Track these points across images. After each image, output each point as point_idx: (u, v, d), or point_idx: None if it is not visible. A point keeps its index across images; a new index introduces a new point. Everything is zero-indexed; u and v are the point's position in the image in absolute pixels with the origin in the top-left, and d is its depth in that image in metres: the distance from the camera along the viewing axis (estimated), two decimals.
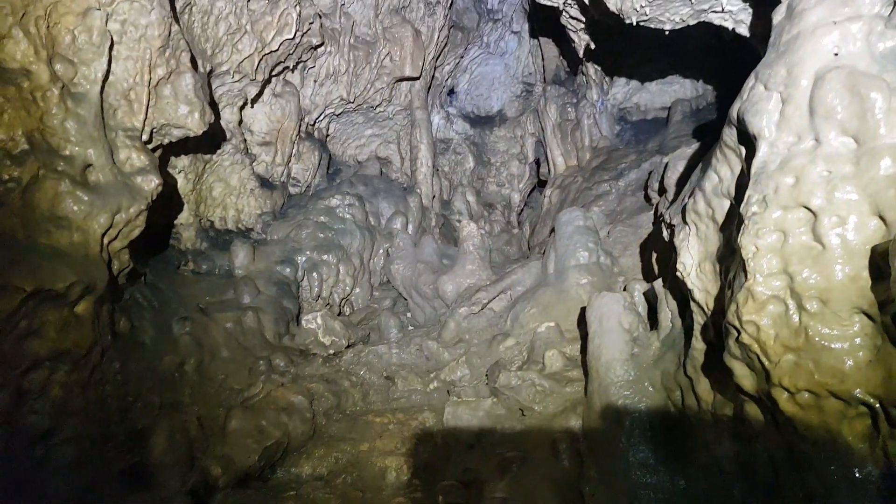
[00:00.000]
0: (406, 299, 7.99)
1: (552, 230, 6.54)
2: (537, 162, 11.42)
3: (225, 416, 5.01)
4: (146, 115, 5.21)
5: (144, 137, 5.30)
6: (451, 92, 11.35)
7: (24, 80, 4.25)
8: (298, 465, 4.86)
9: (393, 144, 10.48)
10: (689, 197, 3.67)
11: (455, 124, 11.15)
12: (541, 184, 11.35)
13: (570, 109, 9.94)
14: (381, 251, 8.59)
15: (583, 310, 5.29)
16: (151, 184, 4.96)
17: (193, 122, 5.59)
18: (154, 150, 5.68)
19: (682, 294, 3.88)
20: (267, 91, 8.49)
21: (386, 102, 9.81)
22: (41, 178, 4.23)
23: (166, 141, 5.82)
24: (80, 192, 4.40)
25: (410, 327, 7.47)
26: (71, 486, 4.21)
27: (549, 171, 10.19)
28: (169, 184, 6.60)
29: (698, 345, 3.55)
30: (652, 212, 6.73)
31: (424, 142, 9.79)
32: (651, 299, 4.55)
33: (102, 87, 4.76)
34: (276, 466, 4.89)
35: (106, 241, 4.65)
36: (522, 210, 11.38)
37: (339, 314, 7.97)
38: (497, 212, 10.99)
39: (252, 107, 8.46)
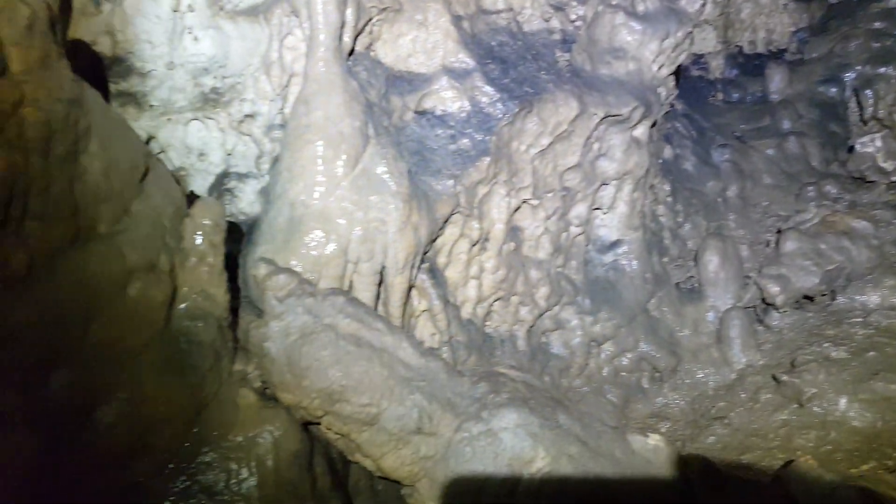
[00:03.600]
0: None
1: None
2: None
3: (776, 240, 4.88)
4: None
5: None
6: None
7: None
8: (864, 293, 4.46)
9: None
10: None
11: None
12: None
13: None
14: None
15: None
16: (696, 5, 4.87)
17: None
18: None
19: None
20: None
21: None
22: (601, 13, 4.59)
23: None
24: (632, 23, 4.62)
25: None
26: (638, 293, 4.79)
27: None
28: None
29: None
30: None
31: None
32: None
33: None
34: (836, 293, 4.58)
35: (655, 67, 4.83)
36: None
37: None
38: None
39: None
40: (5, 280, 2.24)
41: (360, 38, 3.80)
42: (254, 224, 3.61)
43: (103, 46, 3.63)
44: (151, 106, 3.76)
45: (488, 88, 4.05)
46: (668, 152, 5.66)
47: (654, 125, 5.04)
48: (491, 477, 2.65)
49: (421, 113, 4.04)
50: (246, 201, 3.83)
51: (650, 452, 2.93)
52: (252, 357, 2.89)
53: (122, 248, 2.55)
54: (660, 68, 4.86)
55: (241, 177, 3.87)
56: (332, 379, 2.66)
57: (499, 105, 4.04)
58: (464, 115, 4.06)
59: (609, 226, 4.87)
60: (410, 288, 3.77)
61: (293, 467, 2.69)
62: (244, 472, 2.58)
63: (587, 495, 2.76)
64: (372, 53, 3.96)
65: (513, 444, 2.67)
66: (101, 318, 2.43)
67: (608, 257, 4.89)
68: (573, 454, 2.74)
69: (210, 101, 3.84)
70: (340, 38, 3.51)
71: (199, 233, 2.84)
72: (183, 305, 2.76)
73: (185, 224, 2.85)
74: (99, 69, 3.68)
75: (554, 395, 3.02)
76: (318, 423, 2.85)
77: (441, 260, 3.98)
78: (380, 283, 3.54)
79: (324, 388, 2.66)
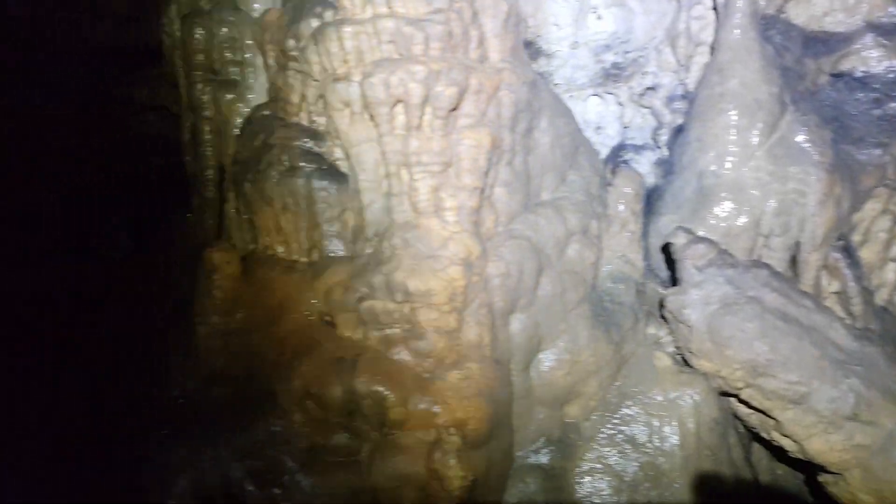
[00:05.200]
0: None
1: None
2: None
3: None
4: None
5: None
6: None
7: None
8: None
9: None
10: None
11: None
12: None
13: None
14: None
15: None
16: None
17: None
18: None
19: None
20: None
21: None
22: None
23: None
24: None
25: None
26: None
27: None
28: None
29: None
30: None
31: None
32: None
33: None
34: None
35: None
36: None
37: None
38: None
39: None
40: (480, 236, 2.68)
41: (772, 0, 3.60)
42: (653, 194, 3.70)
43: None
44: (556, 84, 4.07)
45: None
46: None
47: None
48: None
49: (837, 75, 3.67)
50: (642, 172, 3.94)
51: None
52: (665, 322, 3.00)
53: (564, 213, 2.85)
54: None
55: (638, 149, 3.97)
56: (758, 352, 2.62)
57: None
58: (892, 75, 3.57)
59: None
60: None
61: (713, 433, 2.74)
62: (666, 430, 2.72)
63: None
64: (783, 15, 3.71)
65: None
66: (548, 273, 2.76)
67: None
68: None
69: (610, 76, 4.01)
70: (756, 1, 3.36)
71: (622, 201, 3.03)
72: (607, 268, 2.99)
73: (609, 192, 3.06)
74: None
75: None
76: (733, 396, 2.85)
77: (856, 238, 3.60)
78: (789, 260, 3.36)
79: (748, 359, 2.64)
